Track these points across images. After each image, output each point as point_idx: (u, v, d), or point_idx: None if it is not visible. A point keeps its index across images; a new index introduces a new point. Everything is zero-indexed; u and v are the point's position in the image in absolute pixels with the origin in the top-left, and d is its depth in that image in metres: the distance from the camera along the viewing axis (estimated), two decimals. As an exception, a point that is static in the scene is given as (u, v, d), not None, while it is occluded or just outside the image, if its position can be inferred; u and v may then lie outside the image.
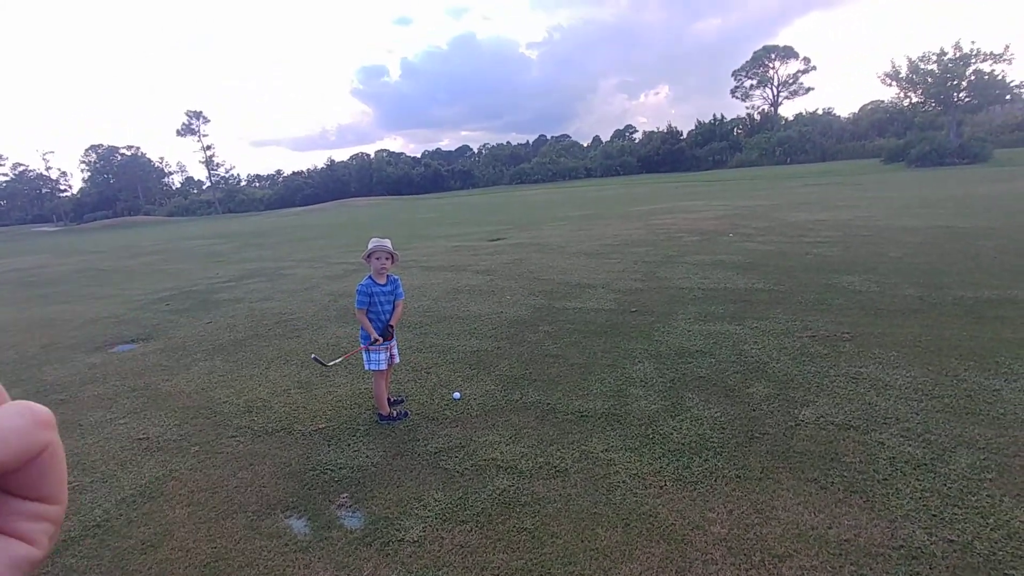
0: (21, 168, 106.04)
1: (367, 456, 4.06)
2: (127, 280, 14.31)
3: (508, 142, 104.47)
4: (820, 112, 78.06)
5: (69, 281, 15.28)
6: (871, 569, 2.62)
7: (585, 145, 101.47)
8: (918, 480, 3.25)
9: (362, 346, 4.54)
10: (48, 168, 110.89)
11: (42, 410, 0.32)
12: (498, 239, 15.89)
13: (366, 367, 4.55)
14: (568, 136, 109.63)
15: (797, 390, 4.54)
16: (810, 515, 3.03)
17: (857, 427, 3.89)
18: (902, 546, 2.75)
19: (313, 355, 4.87)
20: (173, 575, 2.98)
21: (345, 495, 3.58)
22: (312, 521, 3.36)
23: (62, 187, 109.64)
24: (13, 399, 0.30)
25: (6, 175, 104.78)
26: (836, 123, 73.00)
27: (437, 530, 3.17)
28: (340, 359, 5.01)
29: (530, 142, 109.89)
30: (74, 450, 4.52)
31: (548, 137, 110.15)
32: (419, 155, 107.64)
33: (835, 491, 3.22)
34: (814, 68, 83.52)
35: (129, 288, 12.79)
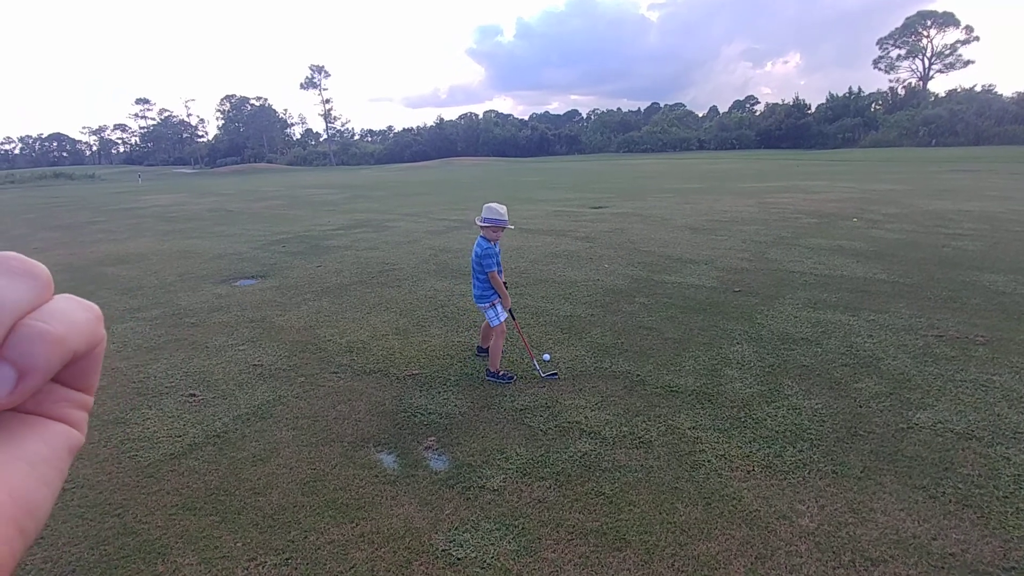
0: (166, 114, 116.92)
1: (455, 405, 4.22)
2: (251, 221, 15.53)
3: (619, 108, 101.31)
4: (979, 89, 68.80)
5: (202, 219, 16.82)
6: (979, 589, 2.41)
7: (700, 115, 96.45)
8: (1048, 503, 2.92)
9: (488, 306, 4.54)
10: (189, 115, 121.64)
11: (96, 305, 0.34)
12: (601, 207, 15.63)
13: (495, 322, 4.52)
14: (683, 105, 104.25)
15: (914, 391, 4.18)
16: (913, 523, 2.81)
17: (980, 438, 3.53)
18: (1014, 567, 2.50)
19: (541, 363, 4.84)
20: (278, 487, 3.29)
21: (432, 438, 3.75)
22: (401, 458, 3.56)
23: (200, 133, 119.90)
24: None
25: (153, 119, 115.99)
26: (996, 102, 64.01)
27: (517, 483, 3.26)
28: (538, 364, 4.83)
29: (641, 109, 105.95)
30: (201, 368, 5.05)
31: (661, 105, 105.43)
32: (527, 117, 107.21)
33: (945, 502, 2.96)
34: (976, 39, 73.84)
35: (252, 229, 13.89)
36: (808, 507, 2.96)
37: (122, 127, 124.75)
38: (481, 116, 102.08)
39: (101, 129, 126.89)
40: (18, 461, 0.29)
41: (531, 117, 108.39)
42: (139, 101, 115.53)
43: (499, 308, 4.53)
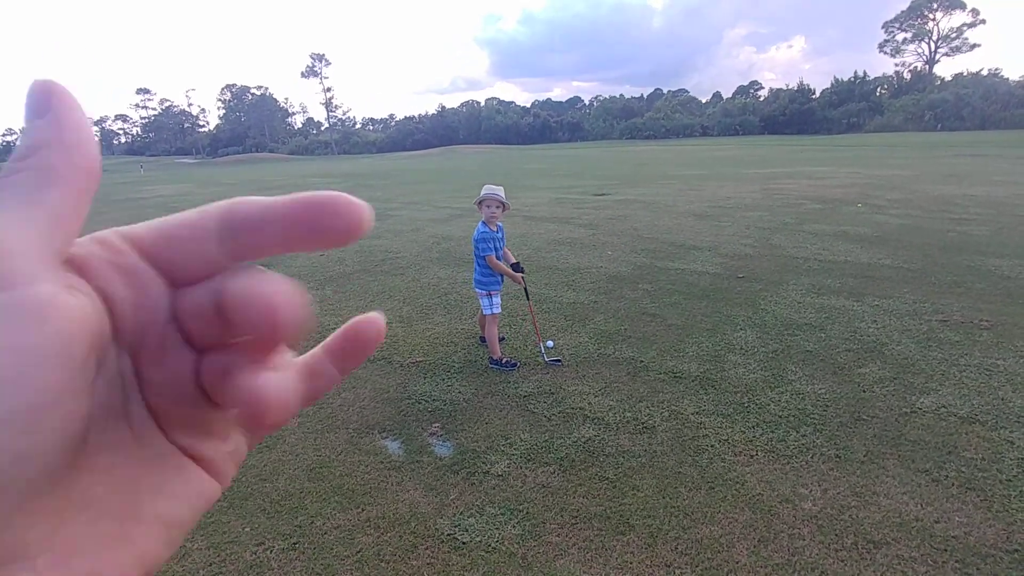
0: (167, 104, 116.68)
1: (459, 392, 4.24)
2: (254, 211, 15.51)
3: (621, 95, 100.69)
4: (985, 73, 68.01)
5: (206, 208, 16.80)
6: (978, 569, 2.42)
7: (704, 101, 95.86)
8: (1051, 486, 2.93)
9: (484, 295, 4.56)
10: (190, 104, 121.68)
11: None
12: (604, 194, 15.58)
13: (488, 312, 4.56)
14: (686, 91, 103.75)
15: (918, 376, 4.18)
16: (916, 506, 2.83)
17: (984, 422, 3.54)
18: (1017, 550, 2.51)
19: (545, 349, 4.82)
20: (284, 473, 3.31)
21: (437, 425, 3.78)
22: (406, 444, 3.58)
23: (201, 123, 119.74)
24: None
25: (154, 109, 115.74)
26: (1003, 86, 63.38)
27: (521, 468, 3.28)
28: (543, 350, 4.82)
29: (644, 96, 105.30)
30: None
31: (664, 91, 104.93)
32: (529, 104, 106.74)
33: (948, 485, 2.97)
34: (983, 22, 73.15)
35: (256, 218, 13.87)
36: (811, 491, 2.98)
37: (123, 117, 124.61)
38: (483, 104, 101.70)
39: (102, 120, 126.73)
40: (156, 521, 0.22)
41: (533, 104, 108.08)
42: (140, 91, 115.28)
43: (495, 299, 4.55)
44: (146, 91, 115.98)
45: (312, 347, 0.28)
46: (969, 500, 2.86)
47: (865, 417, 3.65)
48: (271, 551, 2.71)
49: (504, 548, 2.67)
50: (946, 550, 2.54)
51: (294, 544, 2.75)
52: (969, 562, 2.47)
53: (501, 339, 4.90)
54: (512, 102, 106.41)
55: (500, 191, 4.45)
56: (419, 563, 2.61)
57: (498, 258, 4.52)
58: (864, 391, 3.99)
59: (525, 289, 4.74)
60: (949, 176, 17.35)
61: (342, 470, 3.34)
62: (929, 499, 2.88)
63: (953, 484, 2.98)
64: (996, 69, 69.31)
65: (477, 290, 4.60)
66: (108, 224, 0.24)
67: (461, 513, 2.92)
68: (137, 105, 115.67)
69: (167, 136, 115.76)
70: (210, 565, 2.65)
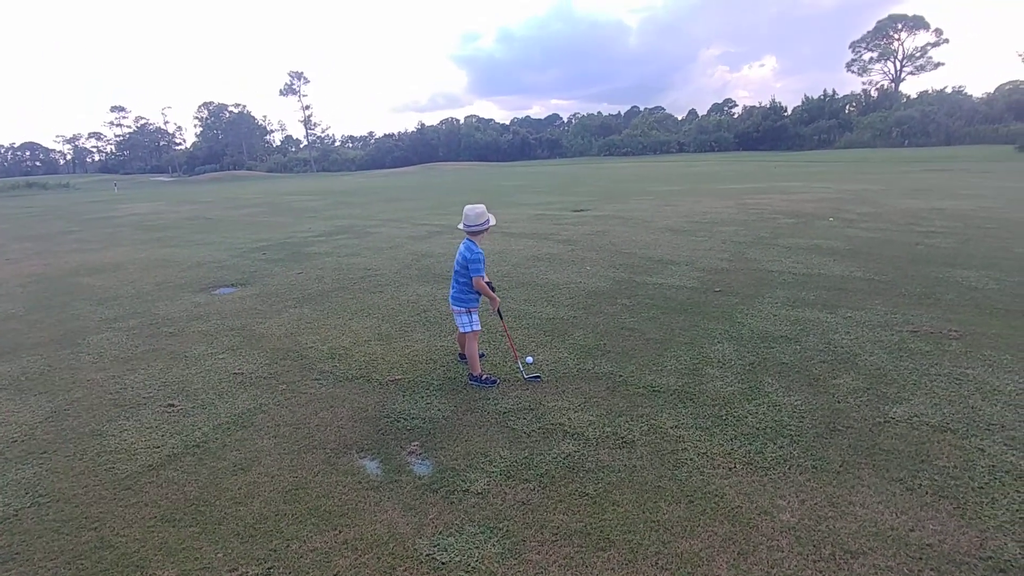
0: (143, 121, 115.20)
1: (439, 409, 4.20)
2: (230, 229, 15.36)
3: (599, 112, 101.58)
4: (949, 90, 70.22)
5: (180, 227, 16.59)
6: (955, 578, 2.45)
7: (680, 118, 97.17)
8: (1018, 492, 2.99)
9: (464, 311, 4.55)
10: (166, 122, 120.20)
11: None
12: (582, 210, 15.71)
13: (467, 329, 4.55)
14: (662, 108, 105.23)
15: (890, 386, 4.25)
16: (891, 515, 2.86)
17: (955, 430, 3.61)
18: (991, 557, 2.55)
19: (524, 365, 4.83)
20: (259, 496, 3.24)
21: (416, 443, 3.74)
22: (384, 464, 3.54)
23: (177, 141, 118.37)
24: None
25: (129, 127, 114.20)
26: (967, 103, 65.31)
27: (501, 485, 3.25)
28: (522, 366, 4.82)
29: (622, 113, 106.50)
30: (180, 378, 4.97)
31: (641, 108, 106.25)
32: (508, 122, 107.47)
33: (922, 493, 3.02)
34: (946, 41, 75.61)
35: (231, 237, 13.73)
36: (789, 502, 3.00)
37: (97, 135, 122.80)
38: (462, 121, 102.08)
39: (75, 137, 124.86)
40: None
41: (512, 122, 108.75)
42: (114, 108, 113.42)
43: (474, 316, 4.54)
44: (121, 109, 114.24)
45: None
46: (943, 508, 2.90)
47: (840, 427, 3.70)
48: (245, 577, 2.64)
49: (484, 568, 2.64)
50: (921, 558, 2.57)
51: (269, 569, 2.69)
52: (944, 570, 2.50)
53: (481, 356, 4.87)
54: (491, 119, 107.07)
55: (482, 214, 4.47)
56: (397, 585, 2.56)
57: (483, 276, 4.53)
58: (839, 402, 4.05)
59: (498, 309, 4.72)
60: (916, 190, 17.83)
61: (319, 491, 3.28)
62: (904, 508, 2.91)
63: (927, 492, 3.03)
64: (960, 87, 71.65)
65: (456, 307, 4.57)
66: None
67: (440, 533, 2.89)
68: (111, 123, 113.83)
69: (142, 154, 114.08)
70: (181, 593, 2.57)
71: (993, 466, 3.22)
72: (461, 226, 4.52)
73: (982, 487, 3.05)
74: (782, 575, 2.51)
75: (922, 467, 3.25)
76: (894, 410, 3.89)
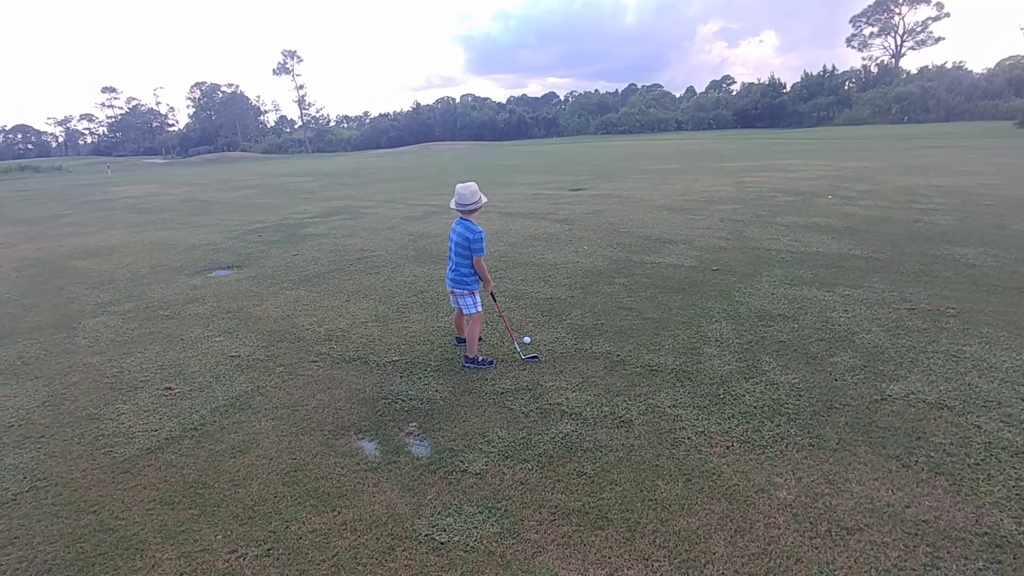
0: (135, 103, 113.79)
1: (436, 390, 4.20)
2: (225, 211, 15.25)
3: (596, 90, 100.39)
4: (950, 66, 69.40)
5: (175, 209, 16.46)
6: (948, 552, 2.47)
7: (677, 96, 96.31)
8: (1014, 468, 3.00)
9: (467, 293, 4.51)
10: (158, 103, 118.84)
11: None
12: (579, 189, 15.61)
13: (472, 311, 4.52)
14: (660, 86, 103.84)
15: (887, 364, 4.26)
16: (887, 492, 2.88)
17: (952, 407, 3.62)
18: (986, 533, 2.57)
19: (521, 346, 4.81)
20: (258, 478, 3.25)
21: (414, 424, 3.74)
22: (382, 445, 3.54)
23: (170, 122, 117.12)
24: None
25: (121, 108, 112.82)
26: (967, 79, 64.58)
27: (499, 465, 3.26)
28: (519, 347, 4.80)
29: (619, 91, 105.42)
30: (177, 361, 4.96)
31: (639, 86, 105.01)
32: (504, 101, 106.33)
33: (918, 470, 3.03)
34: (947, 15, 74.50)
35: (227, 219, 13.63)
36: (786, 480, 3.01)
37: (89, 117, 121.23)
38: (458, 100, 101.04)
39: (67, 120, 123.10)
40: None
41: (509, 100, 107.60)
42: (106, 90, 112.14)
43: (478, 297, 4.51)
44: (112, 90, 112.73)
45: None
46: (939, 484, 2.92)
47: (837, 405, 3.71)
48: (244, 558, 2.66)
49: (482, 547, 2.65)
50: (917, 534, 2.58)
51: (268, 550, 2.70)
52: (940, 545, 2.51)
53: (480, 340, 4.86)
54: (487, 98, 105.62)
55: (474, 193, 4.40)
56: (397, 565, 2.58)
57: None
58: (836, 380, 4.05)
59: (492, 292, 4.68)
60: (915, 167, 17.75)
61: (317, 473, 3.29)
62: (900, 484, 2.93)
63: (923, 469, 3.04)
64: (960, 62, 70.67)
65: (459, 289, 4.50)
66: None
67: (439, 513, 2.90)
68: (103, 104, 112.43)
69: (135, 136, 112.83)
70: (181, 575, 2.58)
71: (989, 443, 3.24)
72: (453, 205, 4.46)
73: (978, 464, 3.06)
74: (779, 552, 2.53)
75: (918, 444, 3.26)
76: (891, 388, 3.90)
